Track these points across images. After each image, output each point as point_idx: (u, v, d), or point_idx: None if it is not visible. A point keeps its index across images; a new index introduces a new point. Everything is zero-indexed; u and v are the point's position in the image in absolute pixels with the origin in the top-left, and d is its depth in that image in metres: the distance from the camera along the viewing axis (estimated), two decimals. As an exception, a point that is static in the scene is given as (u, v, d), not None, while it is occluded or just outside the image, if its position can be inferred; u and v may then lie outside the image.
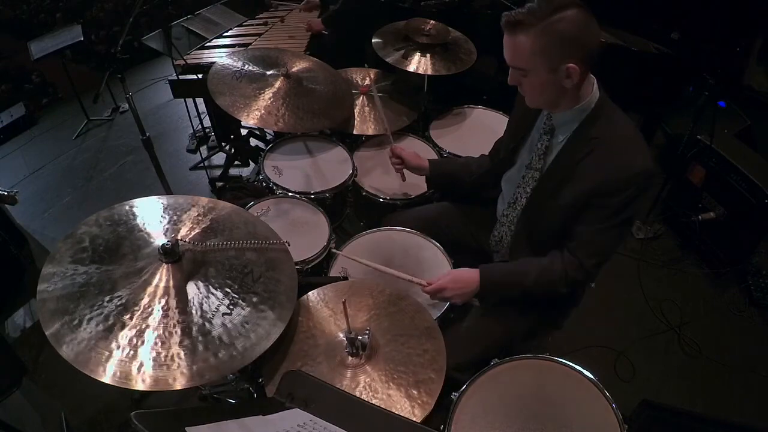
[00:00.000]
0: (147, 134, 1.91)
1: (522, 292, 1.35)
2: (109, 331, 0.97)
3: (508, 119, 1.59)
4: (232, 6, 3.25)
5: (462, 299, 1.35)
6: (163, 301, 1.02)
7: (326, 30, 2.78)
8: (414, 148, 2.09)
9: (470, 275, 1.35)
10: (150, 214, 1.20)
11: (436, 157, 2.03)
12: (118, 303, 1.01)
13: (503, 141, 1.58)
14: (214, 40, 2.81)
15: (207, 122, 3.28)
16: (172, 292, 1.04)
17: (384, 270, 1.40)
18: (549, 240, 1.37)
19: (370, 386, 1.10)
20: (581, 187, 1.24)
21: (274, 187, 1.82)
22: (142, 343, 0.96)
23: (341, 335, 1.16)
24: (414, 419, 1.02)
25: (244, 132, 3.12)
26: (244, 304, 1.07)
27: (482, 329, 1.39)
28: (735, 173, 2.37)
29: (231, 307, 1.05)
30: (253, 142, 3.17)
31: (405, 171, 1.77)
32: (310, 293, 1.30)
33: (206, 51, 2.69)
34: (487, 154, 1.69)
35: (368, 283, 1.36)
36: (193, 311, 1.03)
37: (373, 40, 2.27)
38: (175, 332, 0.99)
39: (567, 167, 1.27)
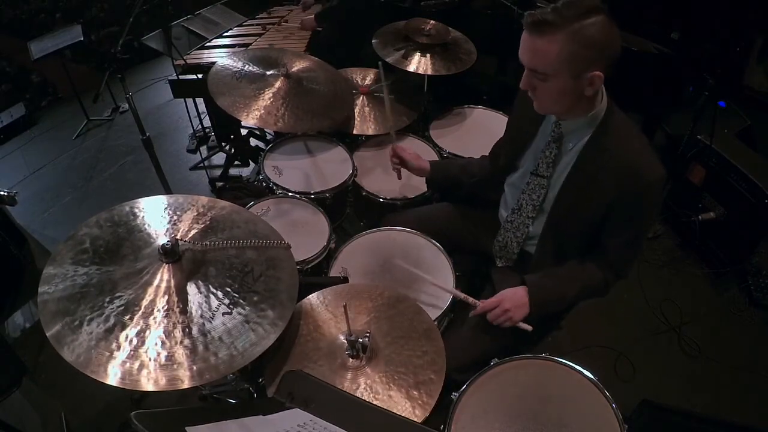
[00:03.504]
0: (147, 134, 1.91)
1: (567, 303, 1.39)
2: (110, 332, 0.97)
3: (507, 120, 1.59)
4: (232, 6, 3.25)
5: (520, 313, 1.31)
6: (163, 302, 1.02)
7: (320, 27, 2.77)
8: (414, 148, 2.09)
9: (518, 288, 1.35)
10: (150, 215, 1.20)
11: (436, 158, 2.03)
12: (119, 304, 1.01)
13: (503, 145, 1.58)
14: (214, 40, 2.81)
15: (207, 122, 3.28)
16: (172, 292, 1.04)
17: (441, 286, 1.42)
18: (576, 250, 1.38)
19: (371, 388, 1.10)
20: (602, 199, 1.25)
21: (274, 187, 1.82)
22: (143, 343, 0.96)
23: (342, 338, 1.16)
24: (414, 419, 1.03)
25: (244, 132, 3.12)
26: (244, 303, 1.07)
27: (483, 332, 1.38)
28: (735, 173, 2.36)
29: (231, 306, 1.05)
30: (253, 142, 3.17)
31: (404, 171, 1.75)
32: (310, 297, 1.30)
33: (206, 51, 2.69)
34: (485, 155, 1.68)
35: (367, 285, 1.36)
36: (194, 311, 1.03)
37: (373, 40, 2.27)
38: (176, 332, 0.99)
39: (584, 180, 1.27)
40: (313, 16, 2.77)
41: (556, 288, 1.35)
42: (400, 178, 1.78)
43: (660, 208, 1.08)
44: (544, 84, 1.16)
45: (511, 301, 1.32)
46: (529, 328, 1.32)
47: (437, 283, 1.42)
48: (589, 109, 1.22)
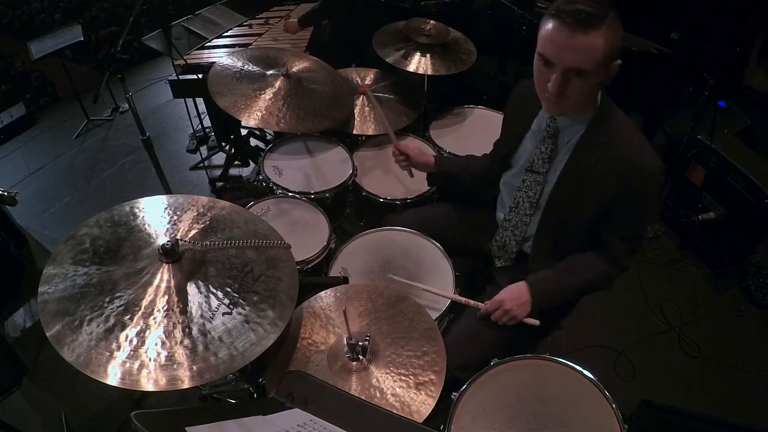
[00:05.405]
0: (147, 134, 1.91)
1: (571, 296, 1.37)
2: (110, 332, 0.97)
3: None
4: (232, 6, 3.26)
5: (522, 311, 1.31)
6: (163, 302, 1.02)
7: (301, 30, 2.76)
8: (414, 148, 2.10)
9: (519, 285, 1.34)
10: (150, 215, 1.20)
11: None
12: (119, 304, 1.01)
13: (500, 141, 1.58)
14: (214, 40, 2.82)
15: (207, 122, 3.28)
16: (172, 292, 1.04)
17: (442, 294, 1.41)
18: (574, 246, 1.37)
19: (372, 390, 1.10)
20: (601, 192, 1.24)
21: (274, 187, 1.82)
22: (143, 343, 0.96)
23: (342, 341, 1.16)
24: (414, 419, 1.02)
25: (244, 132, 3.12)
26: (244, 303, 1.07)
27: (483, 329, 1.38)
28: (735, 173, 2.37)
29: (231, 306, 1.05)
30: (253, 142, 3.17)
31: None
32: (311, 299, 1.31)
33: (206, 51, 2.69)
34: (487, 153, 1.68)
35: (367, 285, 1.36)
36: (194, 311, 1.03)
37: (373, 40, 2.27)
38: (176, 332, 0.99)
39: (581, 174, 1.26)
40: (296, 19, 2.74)
41: (557, 282, 1.34)
42: (412, 176, 1.76)
43: (661, 201, 1.07)
44: (581, 82, 1.10)
45: (512, 300, 1.32)
46: (536, 323, 1.32)
47: (437, 291, 1.41)
48: (594, 102, 1.22)
